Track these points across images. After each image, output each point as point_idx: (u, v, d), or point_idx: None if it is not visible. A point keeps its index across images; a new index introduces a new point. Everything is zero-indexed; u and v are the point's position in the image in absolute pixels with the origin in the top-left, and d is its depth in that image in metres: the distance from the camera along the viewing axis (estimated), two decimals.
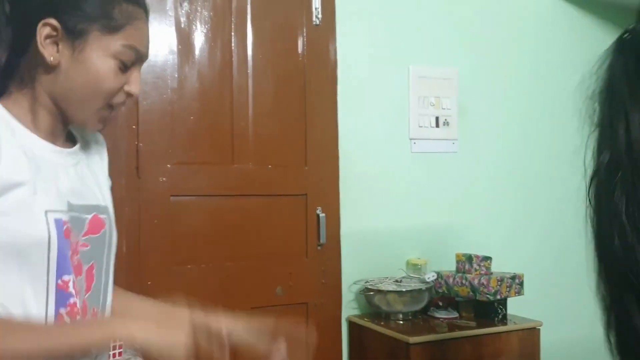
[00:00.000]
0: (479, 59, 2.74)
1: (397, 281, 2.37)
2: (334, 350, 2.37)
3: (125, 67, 0.99)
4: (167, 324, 0.94)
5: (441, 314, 2.33)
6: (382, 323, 2.26)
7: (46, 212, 0.94)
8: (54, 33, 0.95)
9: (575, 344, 2.70)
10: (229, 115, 2.24)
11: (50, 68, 0.96)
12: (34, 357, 0.88)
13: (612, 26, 3.11)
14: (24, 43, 0.96)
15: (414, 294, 2.28)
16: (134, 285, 2.05)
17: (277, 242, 2.29)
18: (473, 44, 2.73)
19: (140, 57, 1.01)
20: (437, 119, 2.61)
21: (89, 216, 1.03)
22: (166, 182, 2.13)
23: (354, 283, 2.43)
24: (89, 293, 1.02)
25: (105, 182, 1.13)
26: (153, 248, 2.08)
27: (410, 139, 2.59)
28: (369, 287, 2.34)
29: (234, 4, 2.26)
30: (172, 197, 2.13)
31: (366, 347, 2.33)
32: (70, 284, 0.97)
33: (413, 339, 2.07)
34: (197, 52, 2.20)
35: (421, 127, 2.60)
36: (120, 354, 1.75)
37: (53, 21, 0.94)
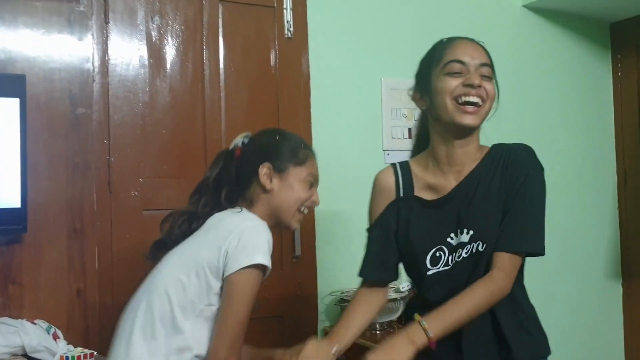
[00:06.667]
0: None
1: None
2: None
3: (310, 186, 1.53)
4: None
5: None
6: None
7: None
8: (269, 171, 1.50)
9: None
10: (201, 128, 2.23)
11: (268, 192, 1.50)
12: None
13: (581, 38, 3.18)
14: (248, 181, 1.52)
15: (389, 303, 2.28)
16: (106, 301, 2.03)
17: None
18: None
19: (314, 181, 1.55)
20: (409, 130, 2.63)
21: None
22: (138, 197, 2.11)
23: (330, 294, 2.43)
24: None
25: None
26: (126, 263, 2.06)
27: (384, 150, 2.61)
28: (345, 297, 2.34)
29: (205, 18, 2.26)
30: (144, 211, 2.11)
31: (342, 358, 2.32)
32: None
33: None
34: (168, 65, 2.19)
35: (394, 138, 2.63)
36: None
37: (267, 164, 1.50)
